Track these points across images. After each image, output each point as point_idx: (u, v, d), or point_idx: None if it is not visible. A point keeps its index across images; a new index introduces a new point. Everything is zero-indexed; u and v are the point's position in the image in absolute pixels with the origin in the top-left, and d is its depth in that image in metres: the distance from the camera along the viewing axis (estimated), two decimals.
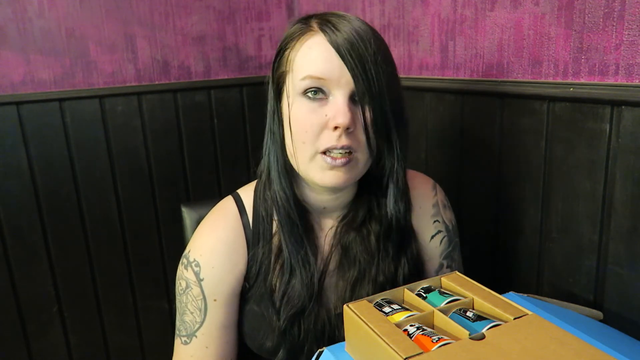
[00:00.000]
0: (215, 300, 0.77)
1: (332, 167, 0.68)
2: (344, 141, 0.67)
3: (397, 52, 1.24)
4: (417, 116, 1.19)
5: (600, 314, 0.77)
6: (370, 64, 0.65)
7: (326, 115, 0.67)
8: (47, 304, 1.56)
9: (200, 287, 0.77)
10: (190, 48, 1.58)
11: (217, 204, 0.83)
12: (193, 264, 0.78)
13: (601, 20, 0.76)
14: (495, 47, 0.95)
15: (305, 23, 0.70)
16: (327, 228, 0.80)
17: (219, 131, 1.66)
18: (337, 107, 0.66)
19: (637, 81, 0.73)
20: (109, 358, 1.67)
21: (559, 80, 0.84)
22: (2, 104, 1.40)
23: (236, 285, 0.79)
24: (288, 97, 0.70)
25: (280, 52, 0.72)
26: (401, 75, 1.23)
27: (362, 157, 0.70)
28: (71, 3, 1.43)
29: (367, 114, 0.67)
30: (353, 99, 0.68)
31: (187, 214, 1.02)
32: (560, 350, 0.51)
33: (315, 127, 0.67)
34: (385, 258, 0.77)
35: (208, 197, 1.39)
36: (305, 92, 0.68)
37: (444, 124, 1.11)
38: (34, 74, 1.43)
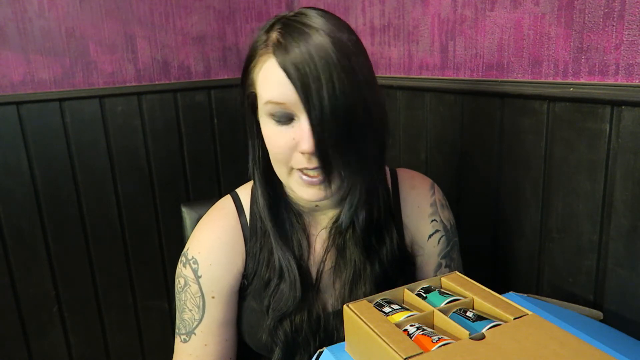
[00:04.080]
0: (213, 297, 0.78)
1: (310, 185, 0.69)
2: (315, 162, 0.66)
3: (397, 52, 1.24)
4: (417, 116, 1.19)
5: (600, 314, 0.77)
6: (318, 89, 0.61)
7: (294, 139, 0.66)
8: (47, 304, 1.56)
9: (199, 284, 0.78)
10: (190, 48, 1.58)
11: (216, 202, 0.84)
12: (191, 262, 0.78)
13: (601, 20, 0.76)
14: (495, 47, 0.95)
15: (266, 38, 0.67)
16: (321, 227, 0.81)
17: (219, 131, 1.66)
18: (302, 133, 0.65)
19: (637, 81, 0.73)
20: (109, 358, 1.67)
21: (559, 80, 0.84)
22: (2, 104, 1.40)
23: (234, 283, 0.79)
24: (260, 117, 0.70)
25: (246, 71, 0.71)
26: (401, 75, 1.23)
27: (332, 179, 0.68)
28: (71, 3, 1.43)
29: (323, 138, 0.64)
30: None
31: (187, 214, 1.02)
32: (560, 350, 0.51)
33: (286, 149, 0.67)
34: (375, 262, 0.77)
35: (208, 197, 1.39)
36: (271, 115, 0.67)
37: (444, 124, 1.11)
38: (34, 74, 1.43)
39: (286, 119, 0.66)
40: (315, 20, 0.65)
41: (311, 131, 0.64)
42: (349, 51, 0.64)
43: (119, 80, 1.52)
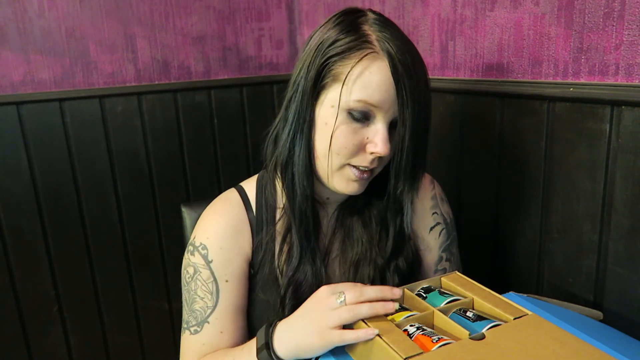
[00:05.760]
0: (227, 281, 0.77)
1: (357, 180, 0.72)
2: (375, 164, 0.71)
3: None
4: None
5: (600, 314, 0.77)
6: (420, 104, 0.69)
7: (367, 138, 0.69)
8: (47, 304, 1.55)
9: (210, 269, 0.77)
10: (190, 48, 1.58)
11: (220, 194, 0.84)
12: (200, 248, 0.77)
13: (601, 20, 0.76)
14: (495, 47, 0.95)
15: (359, 35, 0.68)
16: (330, 213, 0.82)
17: (219, 131, 1.66)
18: (380, 136, 0.68)
19: (637, 81, 0.73)
20: (109, 358, 1.67)
21: (559, 80, 0.84)
22: (2, 104, 1.40)
23: (245, 268, 0.79)
24: (333, 107, 0.69)
25: (333, 58, 0.68)
26: None
27: (392, 179, 0.74)
28: (71, 3, 1.43)
29: (404, 146, 0.69)
30: (391, 124, 0.70)
31: (187, 214, 1.02)
32: (560, 350, 0.51)
33: (354, 146, 0.69)
34: (382, 242, 0.79)
35: (208, 197, 1.38)
36: (351, 111, 0.68)
37: (444, 124, 1.11)
38: (34, 74, 1.43)
39: (364, 118, 0.69)
40: (403, 34, 0.71)
41: (390, 136, 0.69)
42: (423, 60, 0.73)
43: (119, 80, 1.52)
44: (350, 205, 0.81)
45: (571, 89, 0.80)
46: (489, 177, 1.00)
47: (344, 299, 0.61)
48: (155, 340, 1.72)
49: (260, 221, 0.80)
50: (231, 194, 0.82)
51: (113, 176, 1.56)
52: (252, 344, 0.69)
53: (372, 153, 0.69)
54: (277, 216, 0.80)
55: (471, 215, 1.07)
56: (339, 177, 0.72)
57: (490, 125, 0.98)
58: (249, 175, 0.84)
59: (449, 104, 1.08)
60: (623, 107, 0.74)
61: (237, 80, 1.65)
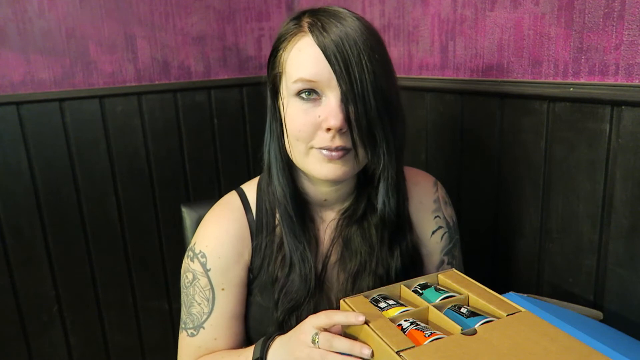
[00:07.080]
0: (223, 289, 0.78)
1: (330, 160, 0.69)
2: (338, 142, 0.68)
3: (397, 52, 1.24)
4: (417, 116, 1.19)
5: (600, 314, 0.77)
6: (354, 66, 0.65)
7: (319, 117, 0.68)
8: (47, 304, 1.56)
9: (208, 277, 0.77)
10: (190, 48, 1.58)
11: (221, 198, 0.84)
12: (199, 255, 0.78)
13: (601, 20, 0.76)
14: (495, 47, 0.95)
15: (297, 22, 0.70)
16: (329, 220, 0.81)
17: (219, 131, 1.66)
18: (329, 109, 0.67)
19: (637, 81, 0.73)
20: (109, 358, 1.67)
21: (559, 80, 0.84)
22: (2, 104, 1.40)
23: (243, 275, 0.79)
24: (282, 98, 0.71)
25: (274, 53, 0.73)
26: (401, 75, 1.23)
27: (359, 153, 0.70)
28: (71, 3, 1.43)
29: (352, 115, 0.67)
30: None
31: (187, 215, 1.02)
32: (550, 347, 0.51)
33: (309, 126, 0.68)
34: (383, 250, 0.78)
35: (208, 197, 1.39)
36: (298, 94, 0.68)
37: (444, 124, 1.11)
38: (34, 74, 1.43)
39: (313, 97, 0.68)
40: (343, 10, 0.69)
41: (340, 108, 0.66)
42: (378, 37, 0.69)
43: (119, 80, 1.52)
44: (349, 215, 0.80)
45: (571, 89, 0.80)
46: (489, 177, 1.00)
47: (318, 341, 0.62)
48: (155, 340, 1.72)
49: (260, 225, 0.80)
50: (232, 198, 0.82)
51: (113, 176, 1.56)
52: (248, 354, 0.71)
53: (328, 130, 0.67)
54: (276, 221, 0.80)
55: (471, 215, 1.07)
56: (311, 162, 0.71)
57: (490, 125, 0.98)
58: (249, 175, 0.84)
59: (449, 104, 1.08)
60: (623, 107, 0.74)
61: (237, 80, 1.65)
